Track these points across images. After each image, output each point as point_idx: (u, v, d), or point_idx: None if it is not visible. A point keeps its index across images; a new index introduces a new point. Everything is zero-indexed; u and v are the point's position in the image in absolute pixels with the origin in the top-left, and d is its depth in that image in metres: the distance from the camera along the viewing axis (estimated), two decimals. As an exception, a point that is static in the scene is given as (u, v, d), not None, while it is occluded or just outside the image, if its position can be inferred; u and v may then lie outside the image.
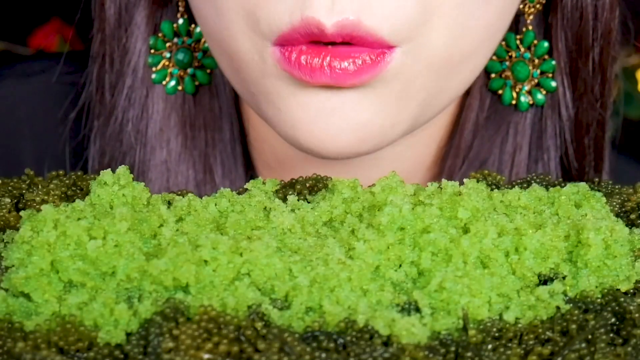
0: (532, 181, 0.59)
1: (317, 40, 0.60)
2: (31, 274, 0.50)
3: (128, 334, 0.48)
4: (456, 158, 0.76)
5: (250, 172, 0.79)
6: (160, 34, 0.75)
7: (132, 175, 0.56)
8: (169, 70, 0.76)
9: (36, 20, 1.41)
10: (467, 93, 0.76)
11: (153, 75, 0.75)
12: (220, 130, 0.77)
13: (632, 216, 0.56)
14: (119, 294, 0.50)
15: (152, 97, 0.76)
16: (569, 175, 0.77)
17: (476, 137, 0.76)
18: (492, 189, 0.58)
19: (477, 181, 0.58)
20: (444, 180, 0.55)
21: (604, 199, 0.56)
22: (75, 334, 0.48)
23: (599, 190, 0.58)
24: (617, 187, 0.59)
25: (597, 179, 0.62)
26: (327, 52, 0.60)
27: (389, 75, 0.62)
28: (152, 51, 0.75)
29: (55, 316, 0.49)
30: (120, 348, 0.48)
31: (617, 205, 0.57)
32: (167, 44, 0.76)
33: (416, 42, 0.62)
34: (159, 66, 0.75)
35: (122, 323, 0.48)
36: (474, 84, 0.75)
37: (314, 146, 0.63)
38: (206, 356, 0.46)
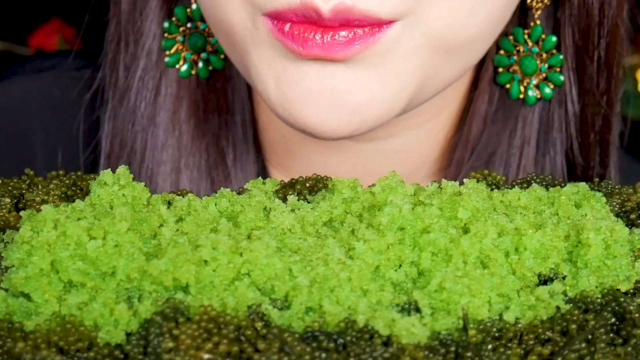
0: (532, 181, 0.59)
1: (314, 23, 0.60)
2: (31, 274, 0.50)
3: (128, 334, 0.48)
4: (464, 150, 0.76)
5: (261, 156, 0.79)
6: (174, 18, 0.76)
7: (131, 175, 0.56)
8: (183, 54, 0.76)
9: (36, 20, 1.41)
10: (475, 86, 0.76)
11: (166, 59, 0.76)
12: (233, 115, 0.78)
13: (632, 216, 0.56)
14: (119, 294, 0.50)
15: (165, 80, 0.76)
16: (574, 170, 0.77)
17: (484, 129, 0.76)
18: (492, 189, 0.58)
19: (477, 181, 0.58)
20: (444, 181, 0.55)
21: (604, 199, 0.56)
22: (75, 334, 0.48)
23: (599, 190, 0.58)
24: (617, 187, 0.59)
25: (597, 179, 0.62)
26: (320, 27, 0.60)
27: (385, 49, 0.61)
28: (166, 35, 0.76)
29: (55, 316, 0.49)
30: (120, 348, 0.48)
31: (617, 205, 0.57)
32: (181, 28, 0.76)
33: (416, 16, 0.61)
34: (173, 50, 0.76)
35: (122, 323, 0.48)
36: (482, 78, 0.76)
37: (304, 126, 0.63)
38: (206, 356, 0.46)
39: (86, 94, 0.79)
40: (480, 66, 0.76)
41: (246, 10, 0.63)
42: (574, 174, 0.77)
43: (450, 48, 0.64)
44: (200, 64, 0.76)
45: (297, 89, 0.62)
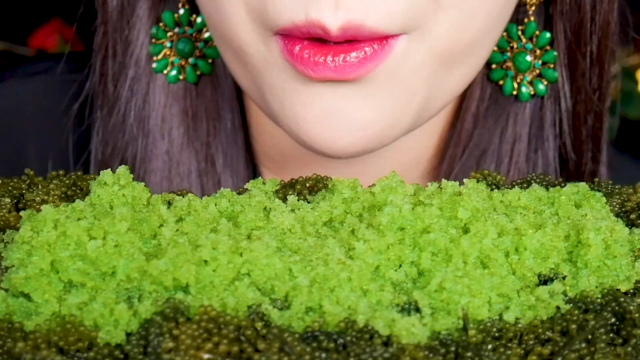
0: (532, 181, 0.59)
1: (320, 39, 0.60)
2: (31, 274, 0.50)
3: (128, 334, 0.48)
4: (457, 147, 0.77)
5: (253, 162, 0.79)
6: (161, 24, 0.76)
7: (132, 175, 0.56)
8: (170, 59, 0.76)
9: (36, 20, 1.41)
10: (468, 85, 0.76)
11: (154, 65, 0.76)
12: (222, 120, 0.78)
13: (632, 216, 0.56)
14: (119, 294, 0.50)
15: (154, 88, 0.76)
16: (566, 165, 0.77)
17: (476, 126, 0.76)
18: (492, 189, 0.58)
19: (477, 181, 0.58)
20: (444, 181, 0.55)
21: (604, 199, 0.56)
22: (75, 334, 0.48)
23: (599, 190, 0.58)
24: (617, 187, 0.59)
25: (596, 179, 0.62)
26: (330, 49, 0.60)
27: (394, 64, 0.62)
28: (154, 40, 0.76)
29: (55, 316, 0.49)
30: (120, 348, 0.48)
31: (617, 205, 0.57)
32: (168, 34, 0.76)
33: (422, 30, 0.62)
34: (160, 55, 0.76)
35: (122, 323, 0.48)
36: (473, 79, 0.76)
37: (319, 146, 0.63)
38: (206, 356, 0.46)
39: (76, 101, 0.79)
40: None
41: (258, 32, 0.63)
42: (566, 170, 0.77)
43: (453, 56, 0.64)
44: (188, 69, 0.76)
45: (310, 110, 0.63)
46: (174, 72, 0.76)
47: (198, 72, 0.77)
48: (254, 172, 0.79)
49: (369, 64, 0.61)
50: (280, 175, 0.78)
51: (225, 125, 0.78)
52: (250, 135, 0.79)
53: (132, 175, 0.56)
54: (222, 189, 0.56)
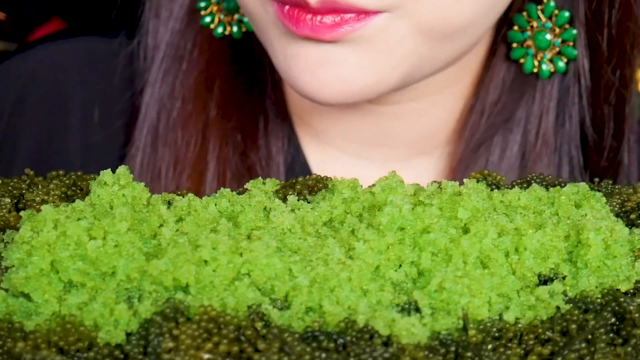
0: (532, 181, 0.59)
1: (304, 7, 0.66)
2: (31, 274, 0.50)
3: (128, 334, 0.48)
4: (480, 116, 0.79)
5: (288, 115, 0.83)
6: None
7: (132, 176, 0.56)
8: (217, 15, 0.80)
9: (36, 20, 1.41)
10: (493, 55, 0.78)
11: (207, 19, 0.79)
12: (265, 74, 0.81)
13: (632, 216, 0.56)
14: (119, 294, 0.50)
15: (198, 42, 0.81)
16: (586, 141, 0.79)
17: (501, 96, 0.79)
18: (492, 189, 0.58)
19: (477, 181, 0.58)
20: (444, 181, 0.55)
21: (604, 199, 0.56)
22: (75, 334, 0.48)
23: (599, 190, 0.58)
24: (617, 187, 0.59)
25: (597, 179, 0.62)
26: (311, 10, 0.65)
27: (372, 34, 0.65)
28: None
29: (55, 316, 0.49)
30: (120, 348, 0.48)
31: (617, 205, 0.57)
32: None
33: (404, 9, 0.65)
34: (208, 10, 0.80)
35: (122, 323, 0.48)
36: (497, 51, 0.78)
37: (305, 93, 0.68)
38: (206, 356, 0.46)
39: (123, 51, 0.83)
40: (497, 32, 0.78)
41: None
42: (586, 146, 0.79)
43: (442, 35, 0.67)
44: (235, 26, 0.80)
45: (297, 62, 0.68)
46: (220, 29, 0.79)
47: (244, 29, 0.80)
48: (289, 125, 0.83)
49: (342, 27, 0.65)
50: (310, 129, 0.82)
51: (266, 78, 0.82)
52: (285, 90, 0.83)
53: (132, 176, 0.56)
54: (222, 189, 0.56)
